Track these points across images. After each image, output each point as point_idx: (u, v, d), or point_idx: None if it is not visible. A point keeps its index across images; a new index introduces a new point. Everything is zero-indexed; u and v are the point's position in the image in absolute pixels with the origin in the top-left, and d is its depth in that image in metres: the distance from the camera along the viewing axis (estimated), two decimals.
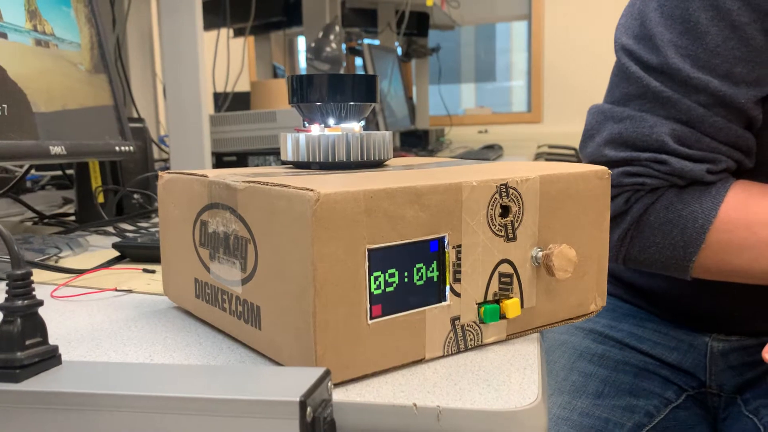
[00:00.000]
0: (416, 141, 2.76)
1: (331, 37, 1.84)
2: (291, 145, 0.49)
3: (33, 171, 1.36)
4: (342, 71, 2.19)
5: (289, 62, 2.96)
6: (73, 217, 0.98)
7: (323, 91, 0.48)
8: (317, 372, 0.27)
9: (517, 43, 4.43)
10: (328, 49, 1.85)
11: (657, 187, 0.60)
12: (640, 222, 0.61)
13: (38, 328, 0.29)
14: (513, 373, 0.36)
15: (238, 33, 2.32)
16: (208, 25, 2.03)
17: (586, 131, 0.65)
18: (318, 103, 0.49)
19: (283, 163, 0.51)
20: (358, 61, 2.80)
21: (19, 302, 0.28)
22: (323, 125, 0.49)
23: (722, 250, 0.58)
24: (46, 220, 0.95)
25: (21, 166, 1.06)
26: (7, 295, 0.29)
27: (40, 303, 0.29)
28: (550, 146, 3.19)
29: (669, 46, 0.58)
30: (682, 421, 0.68)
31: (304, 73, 2.65)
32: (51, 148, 0.73)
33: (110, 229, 0.86)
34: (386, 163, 0.52)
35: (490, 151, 2.29)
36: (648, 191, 0.61)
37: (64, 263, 0.67)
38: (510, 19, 4.34)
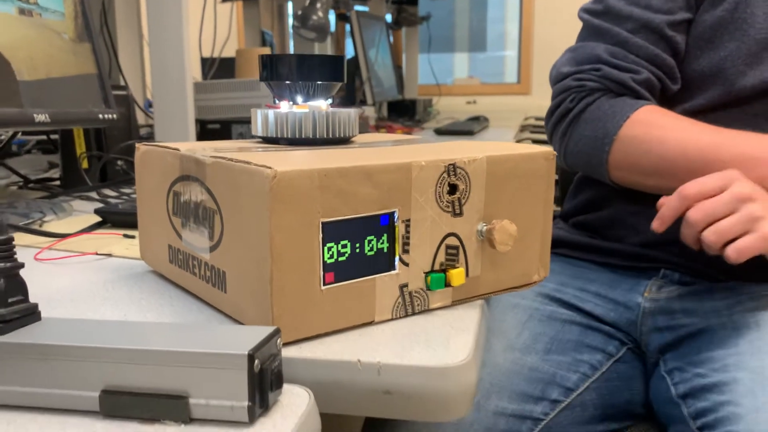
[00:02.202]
0: (404, 111, 2.77)
1: (318, 5, 1.84)
2: (260, 121, 0.52)
3: (19, 135, 1.38)
4: (329, 40, 2.19)
5: (278, 28, 2.94)
6: (58, 182, 1.01)
7: (292, 70, 0.51)
8: (267, 330, 0.31)
9: (511, 13, 4.41)
10: (314, 17, 1.86)
11: (594, 89, 0.79)
12: (578, 117, 0.79)
13: (20, 288, 0.33)
14: (452, 335, 0.40)
15: None
16: None
17: (553, 66, 0.85)
18: (287, 82, 0.52)
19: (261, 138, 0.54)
20: (349, 28, 2.78)
21: (2, 264, 0.32)
22: (292, 102, 0.52)
23: (627, 143, 0.74)
24: (31, 185, 0.98)
25: (7, 131, 1.08)
26: None
27: (21, 265, 0.33)
28: (537, 118, 3.21)
29: None
30: (623, 372, 0.75)
31: (291, 40, 2.64)
32: (35, 115, 0.75)
33: (94, 194, 0.88)
34: (353, 139, 0.55)
35: (475, 123, 2.30)
36: (587, 93, 0.79)
37: (47, 227, 0.70)
38: None
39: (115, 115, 0.91)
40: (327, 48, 2.25)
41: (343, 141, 0.53)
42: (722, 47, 0.76)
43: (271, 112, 0.51)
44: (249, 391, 0.28)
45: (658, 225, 0.65)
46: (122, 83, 1.41)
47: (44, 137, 1.32)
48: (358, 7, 2.53)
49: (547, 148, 0.48)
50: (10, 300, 0.32)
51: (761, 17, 0.74)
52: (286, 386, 0.32)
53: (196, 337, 0.31)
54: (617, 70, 0.77)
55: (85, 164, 0.97)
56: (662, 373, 0.72)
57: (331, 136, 0.52)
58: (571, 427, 0.69)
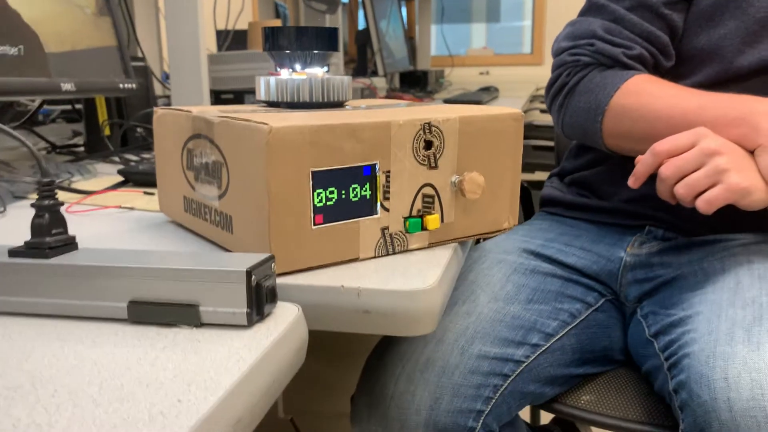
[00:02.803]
0: (415, 82, 2.80)
1: None
2: (263, 87, 0.58)
3: (44, 105, 1.46)
4: (340, 11, 2.23)
5: (291, 0, 2.98)
6: (82, 148, 1.09)
7: (291, 41, 0.57)
8: (263, 255, 0.38)
9: None
10: None
11: (588, 63, 0.83)
12: (573, 90, 0.84)
13: (61, 222, 0.40)
14: (424, 270, 0.46)
15: None
16: None
17: (554, 40, 0.89)
18: (287, 51, 0.58)
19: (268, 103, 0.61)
20: None
21: (47, 202, 0.39)
22: (291, 70, 0.59)
23: (619, 112, 0.78)
24: (58, 150, 1.05)
25: (33, 101, 1.15)
26: (37, 197, 0.39)
27: (62, 203, 0.40)
28: None
29: None
30: (600, 321, 0.81)
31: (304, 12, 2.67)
32: (62, 84, 0.82)
33: (116, 158, 0.96)
34: (346, 103, 0.62)
35: (485, 94, 2.34)
36: (582, 67, 0.83)
37: (75, 186, 0.77)
38: None
39: (134, 85, 0.98)
40: (339, 19, 2.28)
41: (337, 105, 0.59)
42: (722, 25, 0.78)
43: (272, 79, 0.57)
44: (248, 301, 0.35)
45: (633, 181, 0.70)
46: (140, 56, 1.47)
47: (68, 107, 1.39)
48: None
49: (516, 110, 0.54)
50: (53, 231, 0.39)
51: None
52: (279, 303, 0.39)
53: (206, 259, 0.38)
54: (610, 45, 0.81)
55: (107, 131, 1.05)
56: (639, 318, 0.78)
57: (326, 100, 0.58)
58: (551, 369, 0.76)
